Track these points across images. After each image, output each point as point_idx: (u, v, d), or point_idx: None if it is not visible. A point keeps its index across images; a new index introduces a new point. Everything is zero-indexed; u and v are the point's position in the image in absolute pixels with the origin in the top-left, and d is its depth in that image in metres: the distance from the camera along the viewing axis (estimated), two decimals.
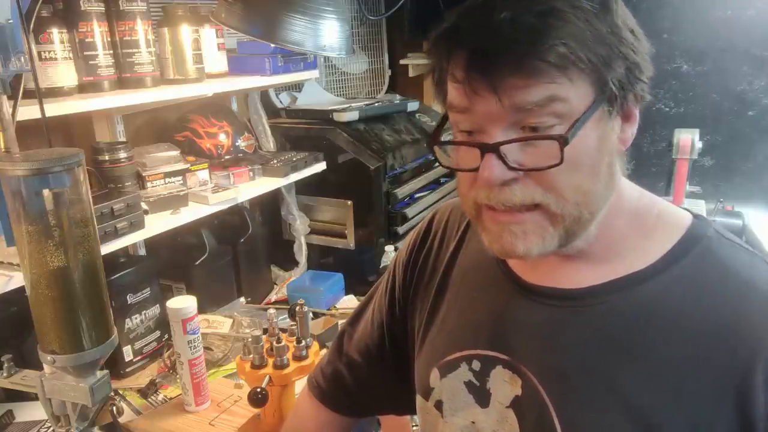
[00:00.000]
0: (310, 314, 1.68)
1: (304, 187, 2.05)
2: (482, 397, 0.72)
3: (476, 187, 0.62)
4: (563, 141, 0.56)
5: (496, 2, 0.57)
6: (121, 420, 1.24)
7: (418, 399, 0.81)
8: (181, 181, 1.58)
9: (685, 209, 0.70)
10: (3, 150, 0.91)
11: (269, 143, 2.04)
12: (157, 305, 1.54)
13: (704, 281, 0.63)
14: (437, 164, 2.29)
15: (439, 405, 0.77)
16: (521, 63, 0.55)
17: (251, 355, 1.17)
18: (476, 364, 0.73)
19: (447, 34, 0.61)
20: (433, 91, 0.68)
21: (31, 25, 1.16)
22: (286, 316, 1.61)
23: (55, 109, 1.17)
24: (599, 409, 0.63)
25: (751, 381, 0.57)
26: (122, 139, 1.59)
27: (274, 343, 1.16)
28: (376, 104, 2.29)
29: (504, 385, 0.70)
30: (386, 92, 2.73)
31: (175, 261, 1.71)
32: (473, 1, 0.59)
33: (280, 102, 2.24)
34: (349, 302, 1.89)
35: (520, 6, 0.56)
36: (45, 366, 0.83)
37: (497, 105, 0.57)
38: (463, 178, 0.65)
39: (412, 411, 0.86)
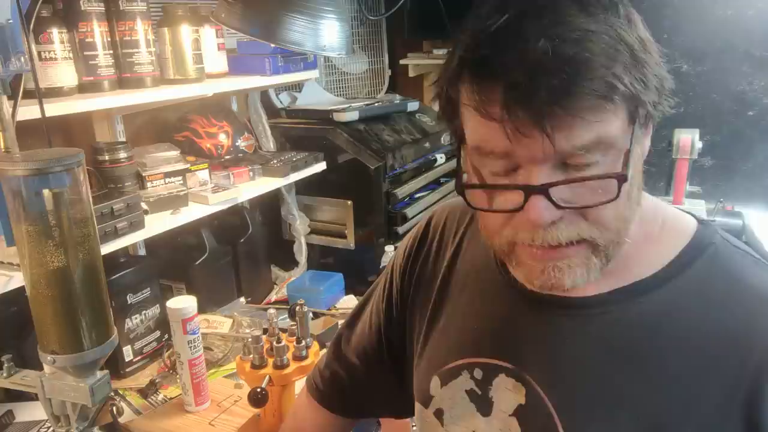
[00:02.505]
0: (310, 314, 1.68)
1: (304, 187, 2.05)
2: (484, 405, 0.71)
3: (513, 227, 0.58)
4: (623, 179, 0.53)
5: (524, 29, 0.51)
6: (121, 420, 1.24)
7: (417, 406, 0.80)
8: (181, 181, 1.58)
9: (690, 214, 0.69)
10: (3, 150, 0.91)
11: (269, 143, 2.04)
12: (157, 305, 1.54)
13: (711, 290, 0.62)
14: (437, 165, 2.32)
15: (439, 413, 0.76)
16: (568, 98, 0.50)
17: (251, 355, 1.17)
18: (478, 372, 0.72)
19: (471, 64, 0.54)
20: (442, 119, 0.63)
21: (31, 25, 1.16)
22: (286, 316, 1.62)
23: (55, 109, 1.17)
24: (605, 420, 0.62)
25: (760, 392, 0.57)
26: (122, 139, 1.59)
27: (274, 343, 1.16)
28: (376, 104, 2.29)
29: (507, 393, 0.69)
30: (386, 92, 2.73)
31: (175, 261, 1.71)
32: (491, 24, 0.53)
33: (280, 102, 2.23)
34: (349, 302, 1.89)
35: (554, 33, 0.50)
36: (45, 366, 0.83)
37: (545, 145, 0.52)
38: (493, 218, 0.61)
39: (410, 414, 0.85)
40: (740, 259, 0.64)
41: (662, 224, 0.67)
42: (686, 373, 0.59)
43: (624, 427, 0.61)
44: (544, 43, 0.50)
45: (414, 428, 1.23)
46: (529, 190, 0.54)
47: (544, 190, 0.53)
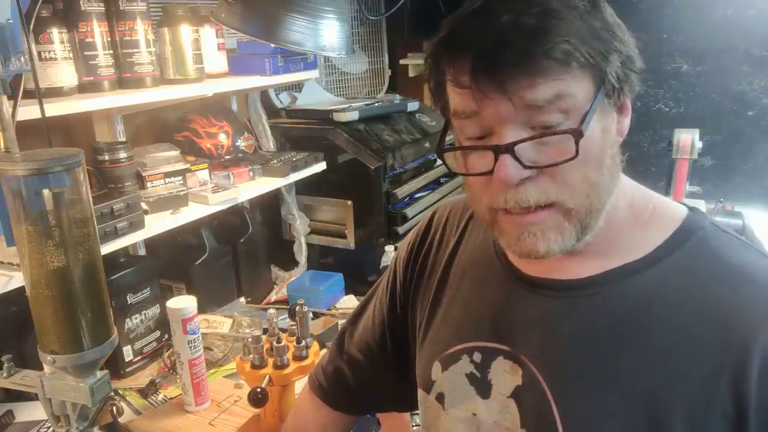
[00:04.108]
0: (310, 314, 1.68)
1: (304, 187, 2.05)
2: (483, 388, 0.73)
3: (490, 192, 0.62)
4: (578, 134, 0.57)
5: (493, 7, 0.58)
6: (121, 420, 1.24)
7: (420, 393, 0.82)
8: (181, 181, 1.58)
9: (682, 203, 0.71)
10: (3, 150, 0.91)
11: (269, 143, 2.04)
12: (157, 305, 1.54)
13: (699, 271, 0.64)
14: (437, 165, 2.32)
15: (440, 398, 0.78)
16: (527, 62, 0.56)
17: (251, 355, 1.17)
18: (477, 356, 0.74)
19: (446, 41, 0.61)
20: (432, 99, 0.68)
21: (31, 25, 1.16)
22: (286, 316, 1.62)
23: (55, 109, 1.17)
24: (596, 399, 0.63)
25: (745, 370, 0.58)
26: (122, 139, 1.59)
27: (274, 343, 1.16)
28: (376, 104, 2.29)
29: (505, 375, 0.71)
30: (386, 92, 2.73)
31: (175, 261, 1.71)
32: (468, 9, 0.60)
33: (280, 102, 2.23)
34: (349, 302, 1.89)
35: (518, 8, 0.57)
36: (45, 366, 0.83)
37: (507, 105, 0.58)
38: (474, 184, 0.65)
39: (413, 407, 0.86)
40: (729, 243, 0.66)
41: (653, 210, 0.69)
42: (674, 350, 0.61)
43: (616, 404, 0.62)
44: (507, 17, 0.57)
45: (415, 429, 1.23)
46: (497, 150, 0.59)
47: (510, 148, 0.59)
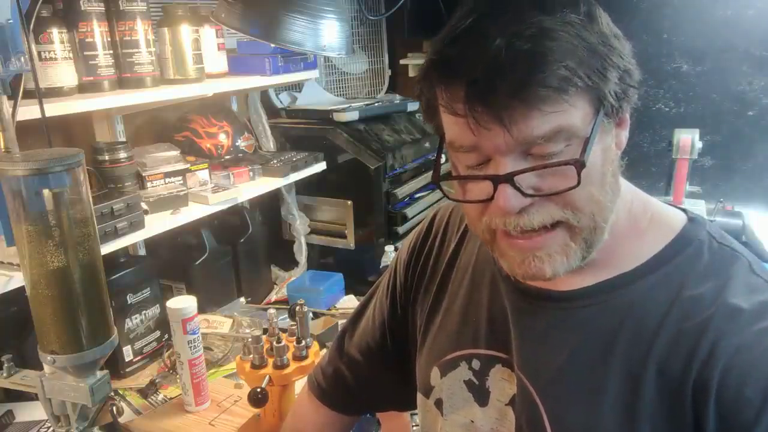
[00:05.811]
0: (310, 314, 1.68)
1: (304, 187, 2.05)
2: (481, 395, 0.73)
3: (489, 214, 0.61)
4: (581, 165, 0.55)
5: (485, 29, 0.55)
6: (121, 420, 1.24)
7: (419, 397, 0.82)
8: (181, 181, 1.58)
9: (682, 210, 0.70)
10: (3, 150, 0.91)
11: (269, 143, 2.04)
12: (157, 305, 1.54)
13: (687, 283, 0.63)
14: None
15: (439, 403, 0.78)
16: (523, 92, 0.53)
17: (251, 355, 1.17)
18: (476, 363, 0.74)
19: (438, 65, 0.58)
20: (423, 117, 0.66)
21: (31, 25, 1.16)
22: (286, 316, 1.62)
23: (55, 109, 1.17)
24: (586, 406, 0.63)
25: (708, 369, 0.58)
26: (122, 139, 1.59)
27: (274, 343, 1.16)
28: (376, 104, 2.29)
29: (503, 383, 0.71)
30: (386, 92, 2.73)
31: (175, 261, 1.71)
32: (458, 27, 0.57)
33: (280, 102, 2.23)
34: (349, 302, 1.89)
35: (511, 31, 0.53)
36: (45, 366, 0.83)
37: (504, 136, 0.55)
38: (471, 207, 0.64)
39: (413, 407, 0.86)
40: (721, 255, 0.65)
41: (650, 217, 0.69)
42: (658, 362, 0.61)
43: (604, 412, 0.62)
44: (500, 41, 0.53)
45: (415, 429, 1.23)
46: (496, 180, 0.57)
47: (509, 179, 0.57)
